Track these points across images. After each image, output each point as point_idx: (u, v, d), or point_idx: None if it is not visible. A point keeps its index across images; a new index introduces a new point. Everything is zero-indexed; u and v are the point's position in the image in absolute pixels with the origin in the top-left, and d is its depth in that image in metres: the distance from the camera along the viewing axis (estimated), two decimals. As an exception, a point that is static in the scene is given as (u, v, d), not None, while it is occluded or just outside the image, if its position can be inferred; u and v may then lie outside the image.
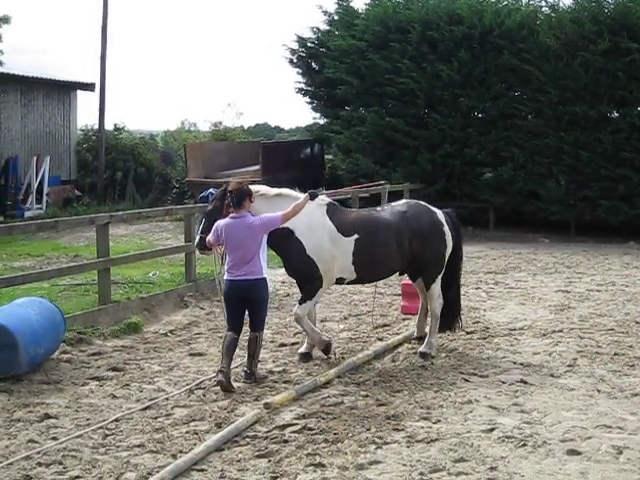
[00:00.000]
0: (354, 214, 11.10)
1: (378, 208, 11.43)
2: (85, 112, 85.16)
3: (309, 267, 10.37)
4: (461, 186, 26.81)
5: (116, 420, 8.50)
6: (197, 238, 10.43)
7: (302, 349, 10.97)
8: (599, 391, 9.51)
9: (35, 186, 29.71)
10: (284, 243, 10.38)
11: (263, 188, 10.47)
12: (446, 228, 11.16)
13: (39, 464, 7.32)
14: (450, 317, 11.53)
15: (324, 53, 29.74)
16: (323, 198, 10.81)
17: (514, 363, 10.70)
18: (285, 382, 9.96)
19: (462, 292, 15.45)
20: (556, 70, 24.72)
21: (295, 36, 31.44)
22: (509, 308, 14.30)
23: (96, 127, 35.49)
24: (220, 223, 9.72)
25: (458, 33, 26.01)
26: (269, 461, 7.42)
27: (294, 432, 8.14)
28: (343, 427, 8.23)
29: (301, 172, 28.21)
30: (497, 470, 7.17)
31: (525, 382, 9.82)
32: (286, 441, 7.91)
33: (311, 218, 10.38)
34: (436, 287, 11.18)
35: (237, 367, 10.28)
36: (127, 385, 9.85)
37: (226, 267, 9.80)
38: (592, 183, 24.59)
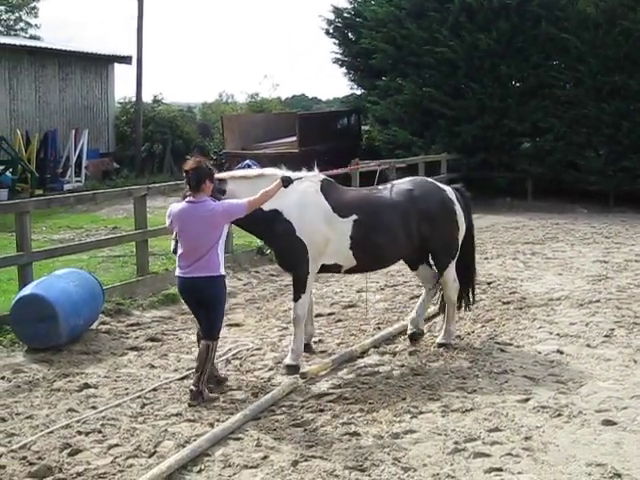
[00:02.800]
0: (353, 193, 9.90)
1: (380, 187, 10.04)
2: (123, 85, 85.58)
3: (297, 250, 9.18)
4: (499, 156, 26.60)
5: (154, 389, 8.61)
6: (172, 244, 8.92)
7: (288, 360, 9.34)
8: (635, 361, 9.44)
9: (74, 159, 29.88)
10: (270, 225, 9.19)
11: (242, 170, 9.70)
12: (458, 208, 9.98)
13: (79, 432, 7.45)
14: (465, 300, 10.67)
15: (360, 23, 29.57)
16: (315, 174, 9.57)
17: (550, 333, 10.66)
18: (321, 352, 10.01)
19: (499, 263, 15.56)
20: (595, 39, 24.35)
21: (331, 7, 31.37)
22: (546, 278, 14.23)
23: (134, 100, 35.68)
24: (174, 208, 8.33)
25: (497, 2, 25.70)
26: (305, 430, 7.49)
27: (330, 401, 8.21)
28: (378, 397, 8.29)
29: (338, 143, 28.18)
30: (532, 440, 7.18)
31: (561, 352, 9.80)
32: (322, 410, 7.99)
33: (303, 196, 9.27)
34: (450, 272, 10.07)
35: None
36: (165, 355, 9.96)
37: (177, 260, 8.43)
38: (631, 154, 24.29)
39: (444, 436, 7.28)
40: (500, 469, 6.61)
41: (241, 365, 9.51)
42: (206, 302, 8.28)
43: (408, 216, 9.57)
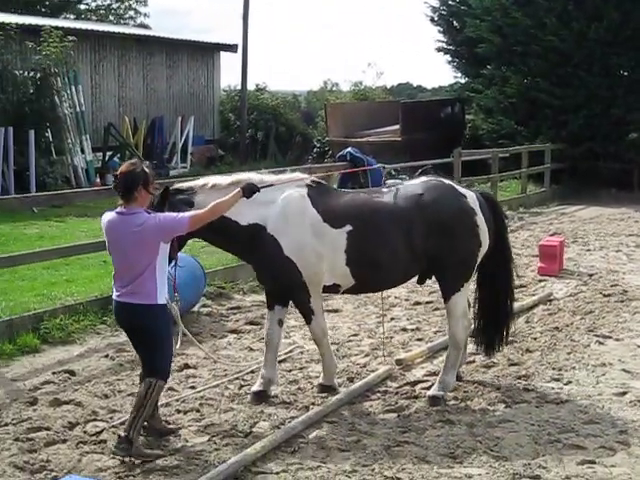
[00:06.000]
0: (347, 198, 8.08)
1: (384, 189, 8.41)
2: (228, 73, 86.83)
3: (289, 272, 7.65)
4: (606, 146, 26.04)
5: (252, 372, 8.76)
6: None
7: (255, 386, 8.15)
8: None
9: (180, 145, 30.54)
10: (251, 243, 7.69)
11: (216, 177, 7.87)
12: (479, 218, 7.97)
13: (177, 411, 7.67)
14: (489, 344, 8.67)
15: (465, 11, 29.39)
16: (300, 176, 8.19)
17: (652, 327, 10.49)
18: (418, 340, 10.06)
19: (602, 255, 15.29)
20: None
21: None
22: (650, 272, 13.97)
23: (239, 87, 36.19)
24: (104, 217, 6.88)
25: (607, -11, 25.16)
26: (398, 416, 7.57)
27: (424, 389, 8.23)
28: (473, 385, 8.29)
29: (441, 132, 28.00)
30: (627, 434, 7.09)
31: (662, 346, 9.64)
32: (416, 397, 8.03)
33: (287, 205, 7.70)
34: (459, 300, 8.03)
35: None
36: (263, 339, 10.10)
37: (113, 281, 6.95)
38: None
39: (538, 427, 7.24)
40: (593, 461, 6.55)
41: (338, 350, 9.60)
42: (138, 332, 6.84)
43: (413, 227, 7.80)
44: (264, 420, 7.45)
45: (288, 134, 36.20)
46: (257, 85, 38.98)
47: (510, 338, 9.67)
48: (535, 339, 9.95)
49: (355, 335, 10.29)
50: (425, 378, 8.58)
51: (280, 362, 9.08)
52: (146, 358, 6.86)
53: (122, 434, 6.66)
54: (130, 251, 6.59)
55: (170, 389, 8.22)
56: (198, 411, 7.65)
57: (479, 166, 23.89)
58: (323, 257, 7.71)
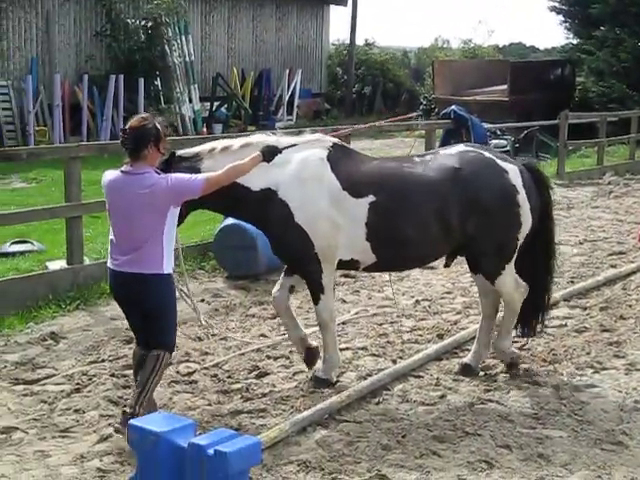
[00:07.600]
0: (374, 164, 7.29)
1: (416, 158, 7.46)
2: (338, 27, 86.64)
3: (299, 242, 6.88)
4: None
5: (343, 323, 8.89)
6: None
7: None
8: None
9: (286, 98, 30.73)
10: (263, 210, 6.89)
11: (223, 141, 6.97)
12: (522, 197, 7.16)
13: (267, 357, 7.88)
14: (527, 323, 7.92)
15: (580, -31, 28.73)
16: (322, 138, 7.31)
17: None
18: (510, 301, 10.01)
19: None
20: None
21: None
22: None
23: (347, 42, 36.15)
24: (105, 176, 6.15)
25: None
26: (485, 374, 7.59)
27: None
28: (563, 349, 8.24)
29: (549, 93, 27.51)
30: None
31: None
32: (504, 357, 8.05)
33: (303, 168, 6.91)
34: (505, 278, 7.33)
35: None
36: (357, 292, 10.24)
37: (109, 247, 6.23)
38: None
39: (625, 394, 7.19)
40: (679, 432, 6.50)
41: (430, 307, 9.68)
42: (141, 304, 6.13)
43: (448, 202, 7.01)
44: (351, 371, 7.59)
45: (395, 90, 36.14)
46: (366, 40, 38.95)
47: (605, 304, 9.64)
48: (630, 306, 9.79)
49: (448, 293, 10.34)
50: (514, 339, 8.55)
51: (372, 316, 9.22)
52: (151, 330, 6.16)
53: (127, 410, 5.99)
54: (136, 215, 5.88)
55: (262, 335, 8.45)
56: (287, 358, 7.85)
57: (586, 130, 23.44)
58: (340, 228, 6.93)
